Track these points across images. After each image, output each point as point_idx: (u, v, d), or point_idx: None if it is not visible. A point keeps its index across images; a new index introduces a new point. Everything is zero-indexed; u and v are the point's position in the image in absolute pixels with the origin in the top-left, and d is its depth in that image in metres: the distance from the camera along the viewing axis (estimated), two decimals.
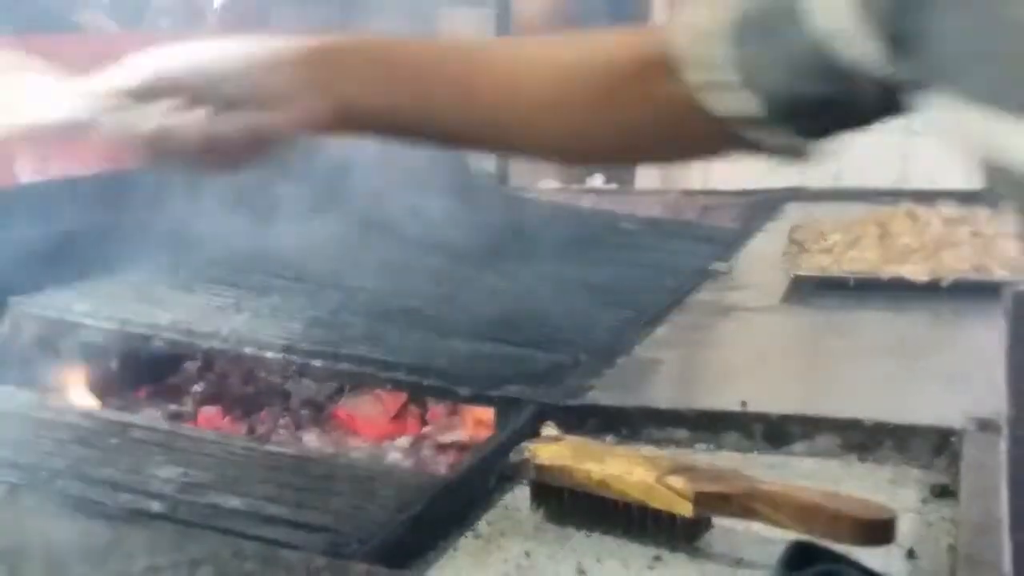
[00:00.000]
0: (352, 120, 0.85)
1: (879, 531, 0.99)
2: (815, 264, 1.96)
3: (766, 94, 0.77)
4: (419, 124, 0.87)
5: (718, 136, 0.81)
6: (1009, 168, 0.63)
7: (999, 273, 1.87)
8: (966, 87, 0.65)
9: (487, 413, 1.43)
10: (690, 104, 0.80)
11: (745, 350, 1.67)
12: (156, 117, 0.81)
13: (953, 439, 1.23)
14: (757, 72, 0.76)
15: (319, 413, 1.60)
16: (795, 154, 0.81)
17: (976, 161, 0.67)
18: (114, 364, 1.58)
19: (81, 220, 1.68)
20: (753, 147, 0.81)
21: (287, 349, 1.52)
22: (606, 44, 0.87)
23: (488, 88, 0.85)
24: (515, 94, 0.85)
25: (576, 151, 0.90)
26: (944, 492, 1.17)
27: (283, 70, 0.83)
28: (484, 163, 2.86)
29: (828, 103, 0.76)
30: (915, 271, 1.88)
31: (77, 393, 1.51)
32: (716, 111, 0.79)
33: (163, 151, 0.82)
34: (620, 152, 0.92)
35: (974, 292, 1.83)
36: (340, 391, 1.61)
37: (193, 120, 0.81)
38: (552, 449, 1.12)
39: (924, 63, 0.67)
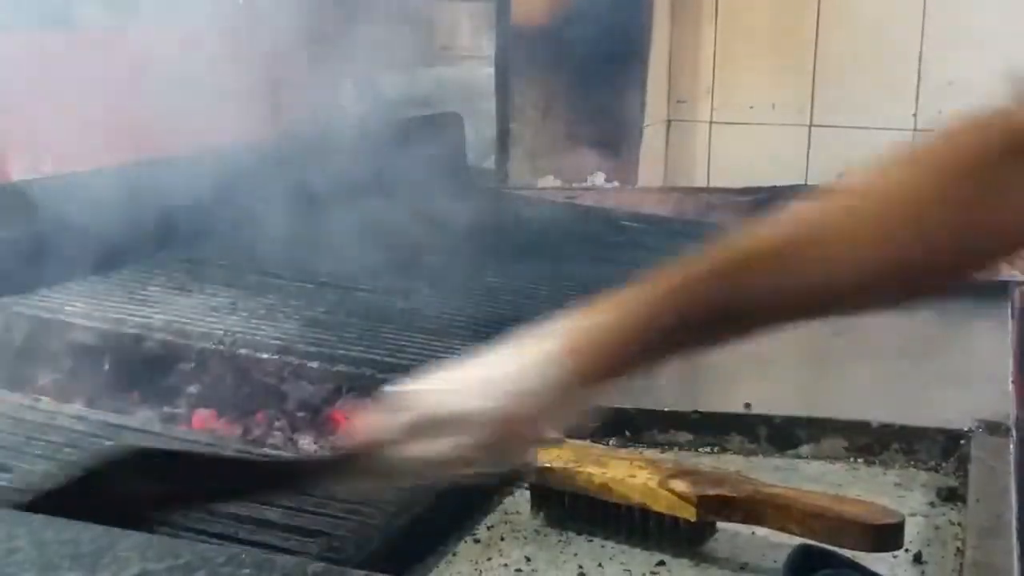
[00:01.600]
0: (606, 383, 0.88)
1: (886, 535, 0.98)
2: None
3: None
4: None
5: None
6: None
7: (1007, 272, 1.85)
8: None
9: None
10: None
11: (749, 351, 1.64)
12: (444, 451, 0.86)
13: (961, 442, 1.22)
14: None
15: (315, 416, 1.58)
16: None
17: None
18: (107, 365, 1.57)
19: (73, 219, 1.66)
20: None
21: (283, 350, 1.51)
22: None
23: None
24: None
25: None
26: (952, 495, 1.16)
27: (556, 398, 0.85)
28: (484, 161, 2.84)
29: None
30: None
31: (69, 395, 1.49)
32: None
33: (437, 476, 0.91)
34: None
35: (982, 291, 1.81)
36: (337, 393, 1.59)
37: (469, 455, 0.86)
38: (553, 452, 1.11)
39: None
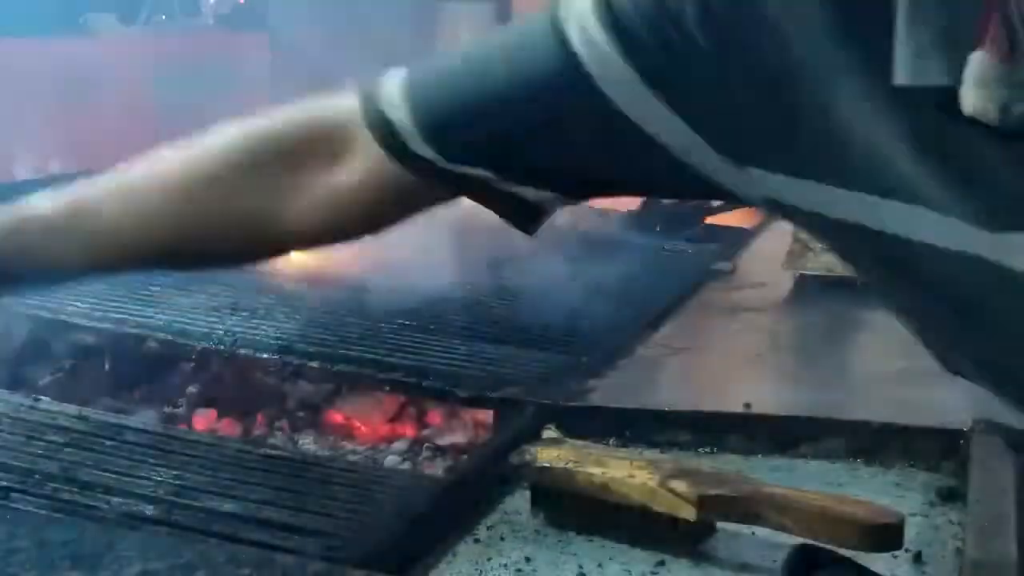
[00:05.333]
0: None
1: (886, 535, 0.98)
2: (821, 263, 1.94)
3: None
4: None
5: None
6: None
7: None
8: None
9: (486, 415, 1.42)
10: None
11: (749, 351, 1.65)
12: None
13: (961, 441, 1.22)
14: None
15: (316, 415, 1.58)
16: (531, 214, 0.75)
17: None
18: (107, 365, 1.57)
19: None
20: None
21: (283, 350, 1.51)
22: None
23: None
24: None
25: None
26: (951, 495, 1.16)
27: None
28: None
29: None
30: None
31: (69, 395, 1.49)
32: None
33: None
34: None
35: None
36: (337, 393, 1.60)
37: None
38: (553, 452, 1.11)
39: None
